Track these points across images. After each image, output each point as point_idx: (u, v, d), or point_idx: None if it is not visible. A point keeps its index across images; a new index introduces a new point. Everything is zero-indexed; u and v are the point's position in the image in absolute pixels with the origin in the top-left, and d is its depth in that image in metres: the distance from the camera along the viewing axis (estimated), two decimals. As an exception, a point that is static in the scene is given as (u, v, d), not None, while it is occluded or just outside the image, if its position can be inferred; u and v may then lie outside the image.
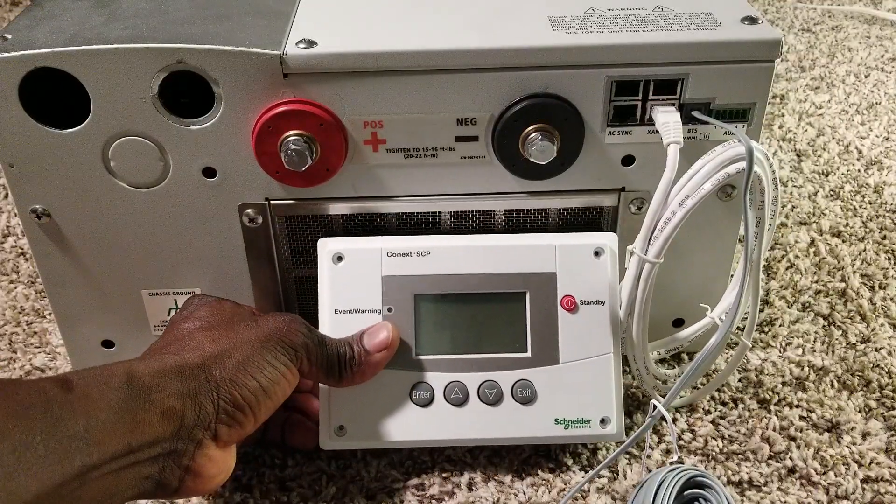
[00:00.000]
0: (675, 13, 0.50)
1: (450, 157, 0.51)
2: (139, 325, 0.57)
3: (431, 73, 0.48)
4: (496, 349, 0.50)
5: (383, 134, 0.50)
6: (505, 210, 0.54)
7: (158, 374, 0.41)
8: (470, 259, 0.51)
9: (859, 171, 0.83)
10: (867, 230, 0.74)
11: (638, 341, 0.50)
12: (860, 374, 0.59)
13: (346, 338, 0.49)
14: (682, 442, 0.54)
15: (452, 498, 0.50)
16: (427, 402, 0.50)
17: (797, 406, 0.56)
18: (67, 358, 0.59)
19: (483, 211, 0.54)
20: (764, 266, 0.68)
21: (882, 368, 0.59)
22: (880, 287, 0.67)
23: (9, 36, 0.48)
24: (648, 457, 0.52)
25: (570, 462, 0.52)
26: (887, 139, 0.88)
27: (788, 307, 0.65)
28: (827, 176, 0.82)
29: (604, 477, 0.51)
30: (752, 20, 0.49)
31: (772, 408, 0.56)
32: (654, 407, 0.47)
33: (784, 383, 0.58)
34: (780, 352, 0.61)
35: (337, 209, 0.53)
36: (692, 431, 0.54)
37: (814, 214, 0.76)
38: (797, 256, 0.71)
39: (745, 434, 0.54)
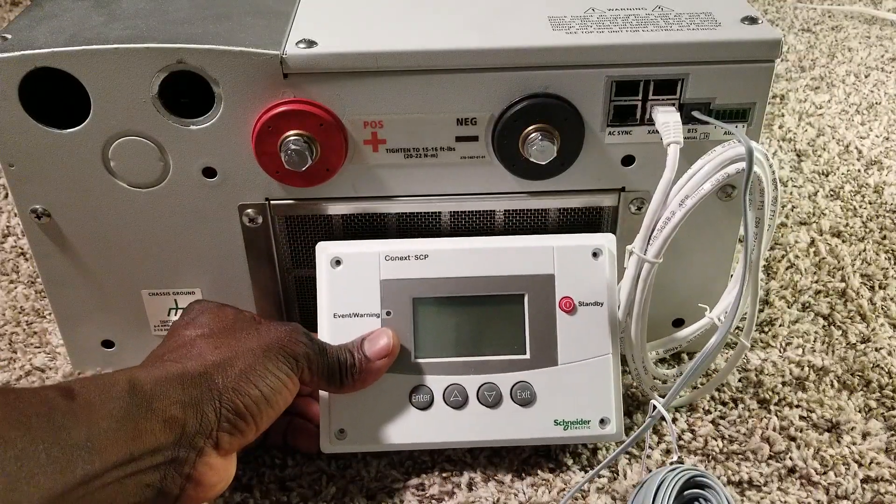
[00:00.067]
0: (675, 13, 0.50)
1: (450, 157, 0.51)
2: (139, 325, 0.57)
3: (431, 73, 0.48)
4: (495, 351, 0.50)
5: (383, 134, 0.50)
6: (505, 210, 0.54)
7: (160, 382, 0.41)
8: (468, 262, 0.51)
9: (859, 171, 0.83)
10: (867, 230, 0.74)
11: (637, 341, 0.50)
12: (860, 374, 0.59)
13: (346, 344, 0.49)
14: (681, 442, 0.54)
15: (452, 498, 0.50)
16: (427, 405, 0.50)
17: (797, 406, 0.56)
18: (67, 358, 0.59)
19: (483, 211, 0.54)
20: (764, 266, 0.68)
21: (882, 368, 0.59)
22: (880, 287, 0.67)
23: (9, 36, 0.48)
24: (648, 457, 0.52)
25: (570, 462, 0.52)
26: (887, 139, 0.88)
27: (788, 307, 0.65)
28: (827, 176, 0.82)
29: (604, 477, 0.51)
30: (752, 20, 0.49)
31: (772, 408, 0.56)
32: (654, 407, 0.47)
33: (784, 383, 0.58)
34: (780, 352, 0.61)
35: (337, 209, 0.53)
36: (692, 431, 0.54)
37: (814, 214, 0.76)
38: (797, 256, 0.71)
39: (745, 434, 0.54)
